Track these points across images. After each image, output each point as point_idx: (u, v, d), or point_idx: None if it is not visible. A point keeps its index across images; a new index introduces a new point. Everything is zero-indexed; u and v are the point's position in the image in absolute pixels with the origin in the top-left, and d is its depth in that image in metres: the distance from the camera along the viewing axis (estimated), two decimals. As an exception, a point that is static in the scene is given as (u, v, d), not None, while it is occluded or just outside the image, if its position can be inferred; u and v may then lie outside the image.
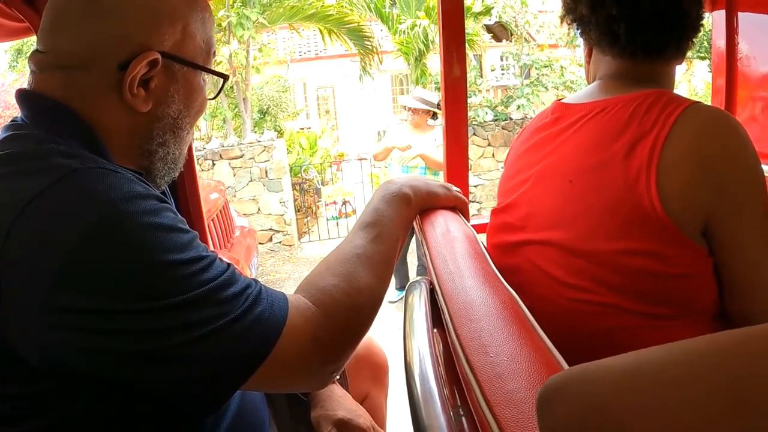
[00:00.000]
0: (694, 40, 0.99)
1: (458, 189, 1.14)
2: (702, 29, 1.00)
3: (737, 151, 0.83)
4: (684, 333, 0.84)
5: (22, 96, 0.77)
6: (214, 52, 0.87)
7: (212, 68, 0.86)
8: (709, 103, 1.09)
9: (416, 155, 4.09)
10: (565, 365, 0.55)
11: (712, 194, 0.81)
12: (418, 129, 4.29)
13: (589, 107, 0.96)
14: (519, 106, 8.36)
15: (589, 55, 1.08)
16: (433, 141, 4.17)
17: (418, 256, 4.41)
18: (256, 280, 0.72)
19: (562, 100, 1.07)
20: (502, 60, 12.87)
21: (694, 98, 0.99)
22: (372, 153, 4.77)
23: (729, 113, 0.88)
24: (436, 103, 4.25)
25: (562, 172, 0.94)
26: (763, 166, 0.85)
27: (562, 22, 1.09)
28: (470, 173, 7.56)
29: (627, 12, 0.93)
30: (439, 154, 4.09)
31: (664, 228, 0.81)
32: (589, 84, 1.07)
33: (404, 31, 9.39)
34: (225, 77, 0.91)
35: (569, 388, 0.38)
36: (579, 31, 1.04)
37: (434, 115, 4.36)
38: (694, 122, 0.83)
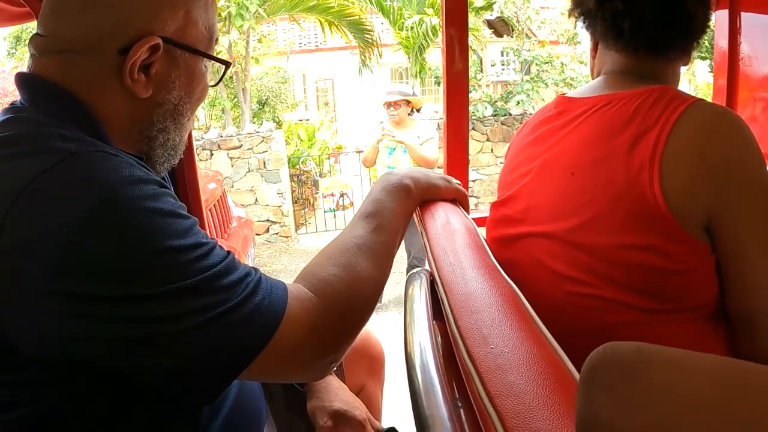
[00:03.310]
0: (699, 41, 0.99)
1: (458, 181, 1.14)
2: (708, 30, 1.00)
3: (741, 148, 0.83)
4: (683, 328, 0.84)
5: (22, 79, 0.76)
6: (217, 39, 0.86)
7: (214, 55, 0.85)
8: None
9: (402, 141, 4.00)
10: (565, 357, 0.55)
11: (714, 191, 0.81)
12: (400, 126, 4.17)
13: (593, 101, 0.96)
14: (518, 102, 8.36)
15: (594, 50, 1.08)
16: (416, 137, 4.07)
17: (407, 250, 4.34)
18: (255, 269, 0.72)
19: (565, 95, 1.07)
20: (502, 55, 12.85)
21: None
22: (362, 159, 4.63)
23: (732, 111, 0.88)
24: (410, 92, 4.18)
25: (564, 165, 0.94)
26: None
27: (569, 17, 1.09)
28: (469, 168, 7.57)
29: (632, 8, 0.94)
30: (424, 149, 4.02)
31: (665, 223, 0.81)
32: (593, 79, 1.07)
33: (411, 27, 9.36)
34: (227, 64, 0.90)
35: (626, 359, 0.35)
36: (585, 24, 1.04)
37: (413, 110, 4.25)
38: (698, 118, 0.83)
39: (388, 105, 4.15)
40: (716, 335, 0.87)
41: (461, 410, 0.68)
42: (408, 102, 4.15)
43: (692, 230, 0.82)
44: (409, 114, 4.22)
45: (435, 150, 4.10)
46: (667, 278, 0.83)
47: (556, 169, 0.95)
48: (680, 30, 0.96)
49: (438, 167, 3.95)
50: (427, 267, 1.00)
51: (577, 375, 0.52)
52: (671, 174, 0.81)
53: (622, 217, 0.84)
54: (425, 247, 0.95)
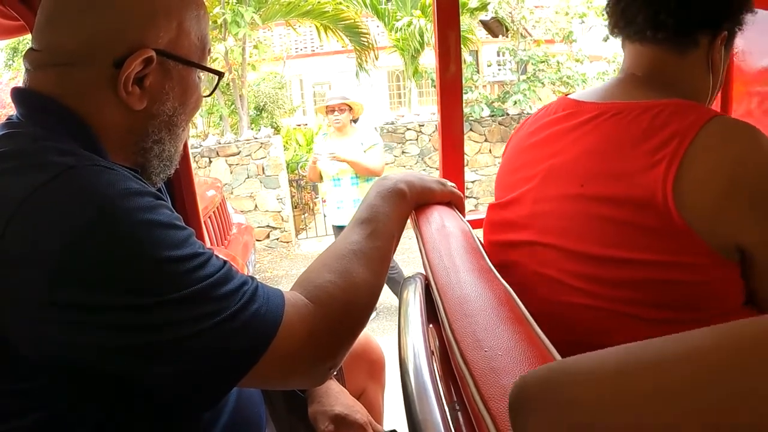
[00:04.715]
0: (728, 38, 0.95)
1: (453, 184, 1.14)
2: (734, 26, 0.95)
3: (765, 173, 0.78)
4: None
5: (18, 94, 0.77)
6: (210, 49, 0.87)
7: (207, 65, 0.86)
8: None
9: (344, 159, 3.85)
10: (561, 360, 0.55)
11: (745, 210, 0.78)
12: (342, 134, 4.01)
13: (604, 108, 0.92)
14: (515, 102, 8.37)
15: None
16: (359, 145, 3.93)
17: None
18: (252, 277, 0.73)
19: (570, 96, 1.03)
20: (498, 55, 12.85)
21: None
22: (307, 178, 4.43)
23: (754, 126, 0.83)
24: (352, 96, 3.99)
25: (573, 175, 0.90)
26: None
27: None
28: (467, 169, 7.58)
29: None
30: (368, 158, 3.89)
31: (686, 238, 0.78)
32: None
33: (401, 29, 9.41)
34: (220, 74, 0.91)
35: (543, 392, 0.35)
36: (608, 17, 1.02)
37: (353, 119, 4.07)
38: (718, 137, 0.79)
39: (331, 110, 3.95)
40: None
41: (459, 414, 0.69)
42: (350, 108, 3.98)
43: (719, 246, 0.79)
44: (351, 121, 4.05)
45: (379, 157, 3.96)
46: (686, 289, 0.81)
47: (564, 177, 0.92)
48: (696, 12, 0.92)
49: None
50: (422, 271, 1.01)
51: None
52: (693, 192, 0.77)
53: (633, 233, 0.81)
54: (420, 250, 0.95)
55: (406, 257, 4.90)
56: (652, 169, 0.80)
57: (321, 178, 4.13)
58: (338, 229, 4.20)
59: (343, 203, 4.02)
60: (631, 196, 0.81)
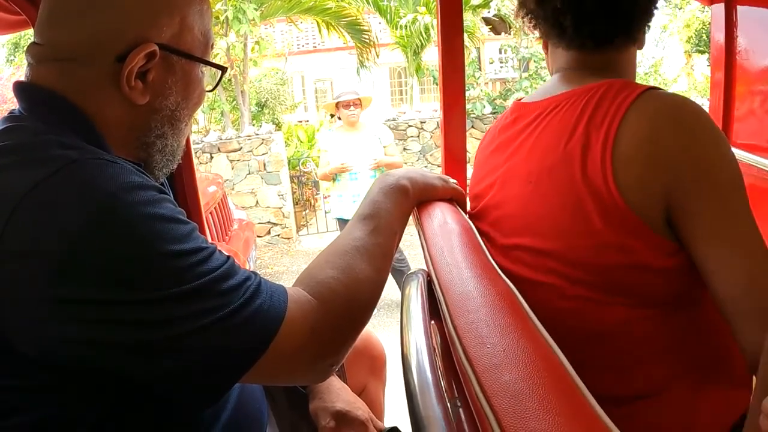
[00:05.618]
0: (648, 25, 0.97)
1: (455, 181, 1.14)
2: (653, 14, 0.97)
3: (695, 135, 0.79)
4: (668, 321, 0.83)
5: (20, 88, 0.76)
6: (212, 44, 0.87)
7: (210, 60, 0.86)
8: (707, 97, 1.06)
9: (387, 163, 3.91)
10: (562, 356, 0.55)
11: (668, 181, 0.78)
12: (353, 128, 4.06)
13: (544, 105, 0.94)
14: (517, 100, 8.36)
15: (546, 48, 1.06)
16: (376, 140, 3.97)
17: None
18: (255, 273, 0.72)
19: (521, 100, 1.05)
20: (500, 53, 12.86)
21: (692, 93, 0.96)
22: (320, 175, 4.44)
23: (687, 98, 0.84)
24: (363, 92, 4.05)
25: (523, 175, 0.92)
26: (758, 158, 0.83)
27: (516, 17, 1.07)
28: (468, 166, 7.57)
29: (571, 3, 0.91)
30: (394, 155, 3.99)
31: (626, 220, 0.78)
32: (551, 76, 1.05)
33: (405, 26, 9.40)
34: (223, 69, 0.91)
35: None
36: (531, 25, 1.02)
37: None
38: (647, 108, 0.80)
39: (346, 105, 4.00)
40: (704, 327, 0.86)
41: (460, 410, 0.69)
42: (361, 102, 4.04)
43: (653, 225, 0.79)
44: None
45: (398, 153, 4.12)
46: (637, 276, 0.81)
47: (516, 179, 0.94)
48: (623, 19, 0.93)
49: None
50: (424, 267, 1.01)
51: (573, 374, 0.52)
52: (624, 168, 0.78)
53: (584, 220, 0.82)
54: (422, 247, 0.95)
55: (407, 254, 4.89)
56: (589, 153, 0.82)
57: (333, 177, 4.19)
58: (344, 223, 4.23)
59: (359, 196, 4.05)
60: (575, 183, 0.83)
